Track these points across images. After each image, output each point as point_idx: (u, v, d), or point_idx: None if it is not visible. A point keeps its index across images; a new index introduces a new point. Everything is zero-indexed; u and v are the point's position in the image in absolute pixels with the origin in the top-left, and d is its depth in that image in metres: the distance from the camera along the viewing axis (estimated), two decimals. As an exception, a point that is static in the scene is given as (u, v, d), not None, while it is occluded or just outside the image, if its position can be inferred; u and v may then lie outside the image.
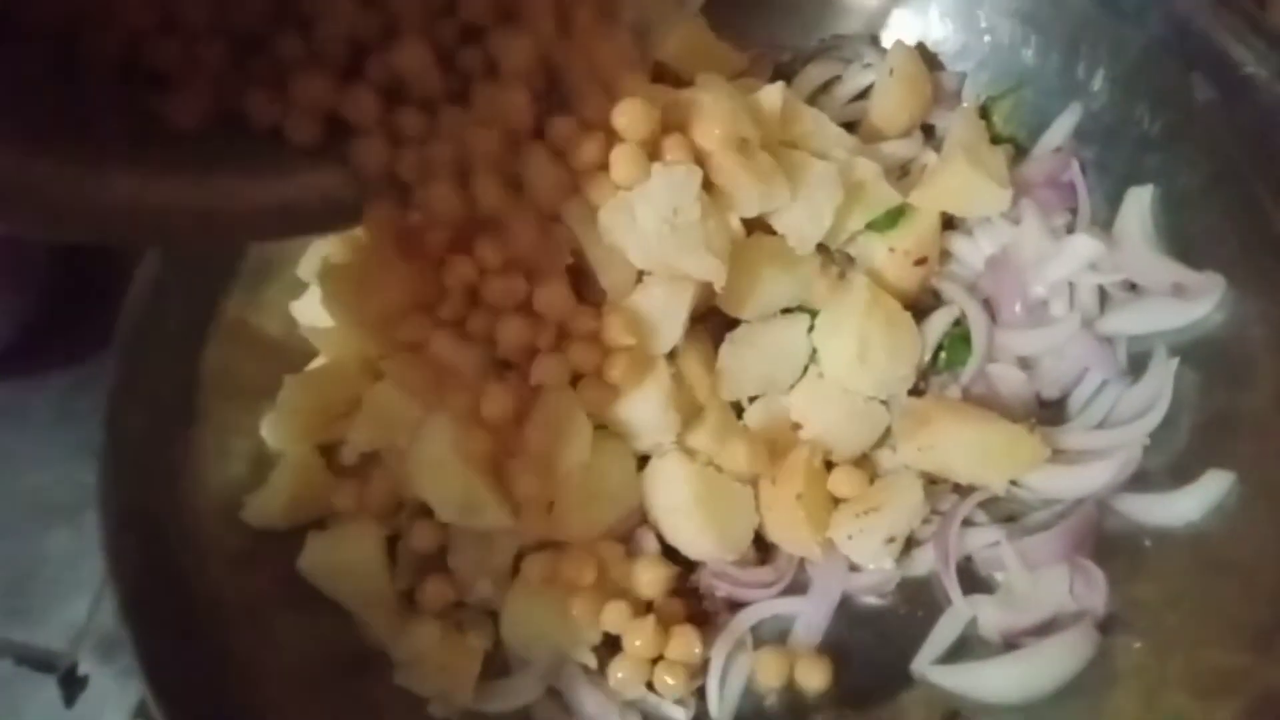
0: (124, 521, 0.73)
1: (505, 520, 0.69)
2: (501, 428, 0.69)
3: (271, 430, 0.78)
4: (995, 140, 0.86)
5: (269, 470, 0.78)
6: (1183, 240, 0.79)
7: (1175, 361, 0.76)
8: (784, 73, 0.91)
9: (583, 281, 0.71)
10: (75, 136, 0.55)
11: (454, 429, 0.67)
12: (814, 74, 0.90)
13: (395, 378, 0.71)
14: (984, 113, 0.89)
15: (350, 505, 0.75)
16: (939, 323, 0.81)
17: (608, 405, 0.71)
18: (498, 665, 0.74)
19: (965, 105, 0.89)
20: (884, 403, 0.78)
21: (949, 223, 0.84)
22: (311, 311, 0.80)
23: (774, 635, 0.75)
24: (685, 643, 0.71)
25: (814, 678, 0.72)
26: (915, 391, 0.79)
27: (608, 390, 0.70)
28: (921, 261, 0.81)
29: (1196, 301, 0.77)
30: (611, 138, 0.68)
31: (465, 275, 0.67)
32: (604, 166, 0.69)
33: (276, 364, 0.81)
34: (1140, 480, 0.74)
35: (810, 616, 0.74)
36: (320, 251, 0.78)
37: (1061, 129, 0.86)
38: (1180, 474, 0.73)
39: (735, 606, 0.75)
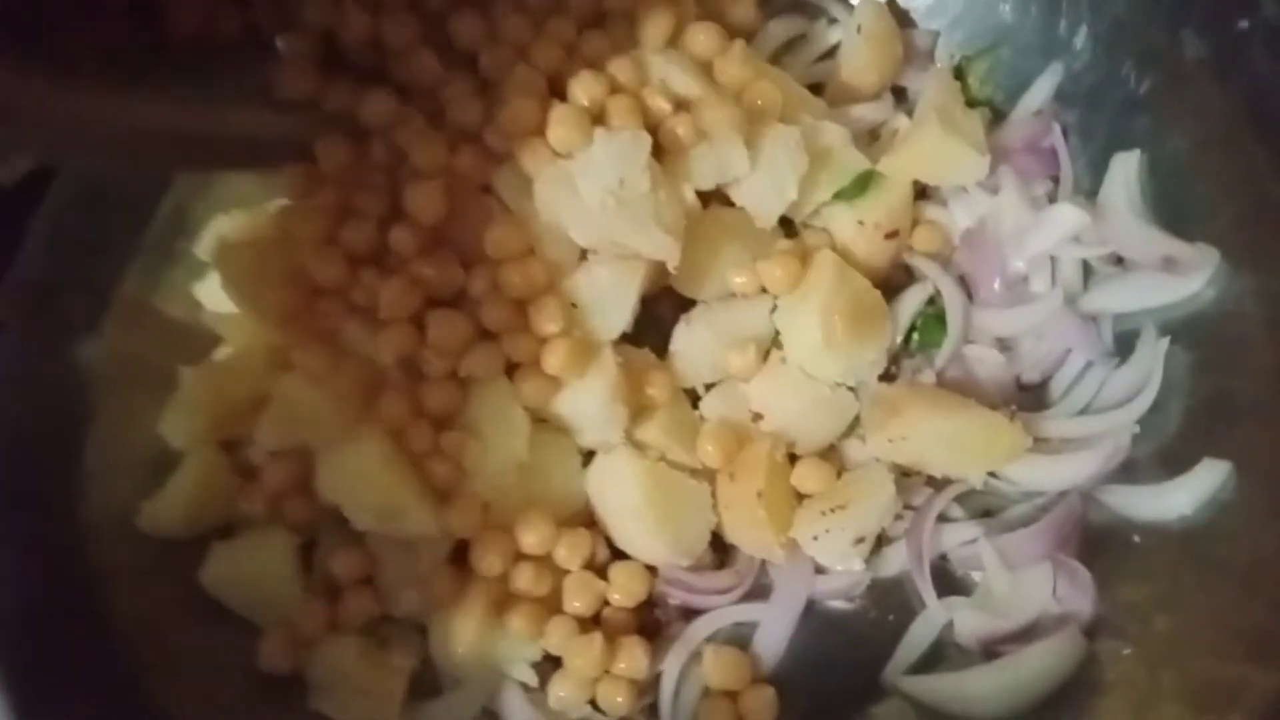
0: (2, 530, 0.65)
1: (429, 527, 0.61)
2: (426, 424, 0.61)
3: (171, 427, 0.70)
4: (971, 103, 0.80)
5: (168, 473, 0.70)
6: (1173, 210, 0.74)
7: (1165, 341, 0.71)
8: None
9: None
10: (55, 55, 0.57)
11: (370, 427, 0.60)
12: (776, 31, 0.82)
13: (304, 369, 0.63)
14: (959, 74, 0.83)
15: (258, 511, 0.68)
16: (911, 301, 0.75)
17: (547, 398, 0.64)
18: (426, 685, 0.67)
19: (939, 66, 0.82)
20: (852, 389, 0.71)
21: (921, 192, 0.78)
22: (217, 294, 0.71)
23: (733, 644, 0.68)
24: (634, 657, 0.65)
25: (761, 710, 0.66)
26: (886, 377, 0.73)
27: (547, 381, 0.63)
28: (893, 235, 0.74)
29: (1188, 276, 0.71)
30: (548, 99, 0.61)
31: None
32: (540, 131, 0.62)
33: (178, 353, 0.72)
34: (1128, 471, 0.69)
35: (772, 624, 0.68)
36: (218, 229, 0.70)
37: (1041, 90, 0.80)
38: (1172, 463, 0.67)
39: (690, 615, 0.68)
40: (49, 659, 0.62)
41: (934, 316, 0.76)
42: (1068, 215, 0.73)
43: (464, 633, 0.64)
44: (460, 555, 0.65)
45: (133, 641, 0.65)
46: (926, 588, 0.67)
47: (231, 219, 0.70)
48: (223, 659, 0.66)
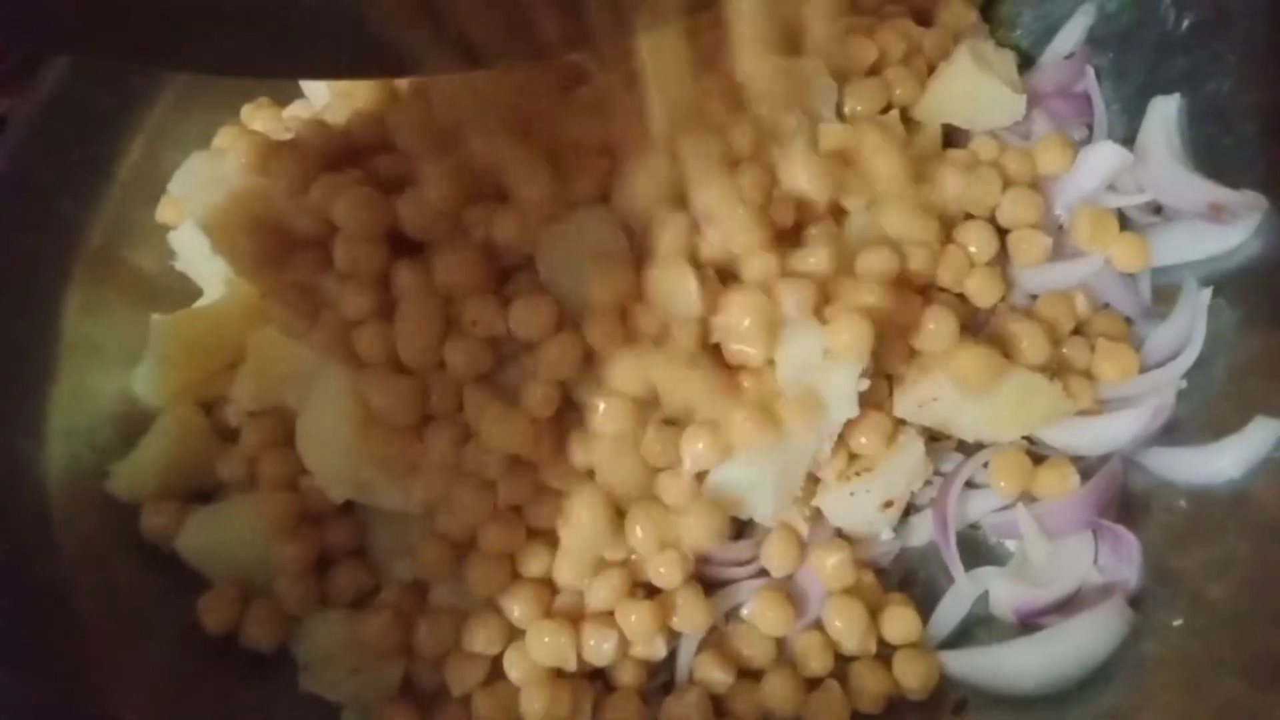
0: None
1: (400, 502, 0.57)
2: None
3: (144, 383, 0.65)
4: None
5: (140, 433, 0.65)
6: (1215, 155, 0.69)
7: (1208, 294, 0.66)
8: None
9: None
10: None
11: (346, 389, 0.56)
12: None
13: (279, 322, 0.58)
14: (985, 15, 0.77)
15: (238, 475, 0.62)
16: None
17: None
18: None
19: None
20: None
21: (947, 139, 0.73)
22: (191, 242, 0.66)
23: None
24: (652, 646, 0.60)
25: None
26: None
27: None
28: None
29: (1232, 226, 0.67)
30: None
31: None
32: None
33: (150, 305, 0.67)
34: (1172, 432, 0.64)
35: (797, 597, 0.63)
36: (191, 172, 0.64)
37: (1073, 33, 0.76)
38: (1219, 424, 0.62)
39: (710, 587, 0.63)
40: (6, 631, 0.56)
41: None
42: (1108, 155, 0.68)
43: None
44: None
45: (99, 615, 0.60)
46: (953, 559, 0.63)
47: (205, 161, 0.64)
48: (200, 636, 0.61)
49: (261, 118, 0.70)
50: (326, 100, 0.69)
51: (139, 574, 0.62)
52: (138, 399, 0.66)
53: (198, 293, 0.68)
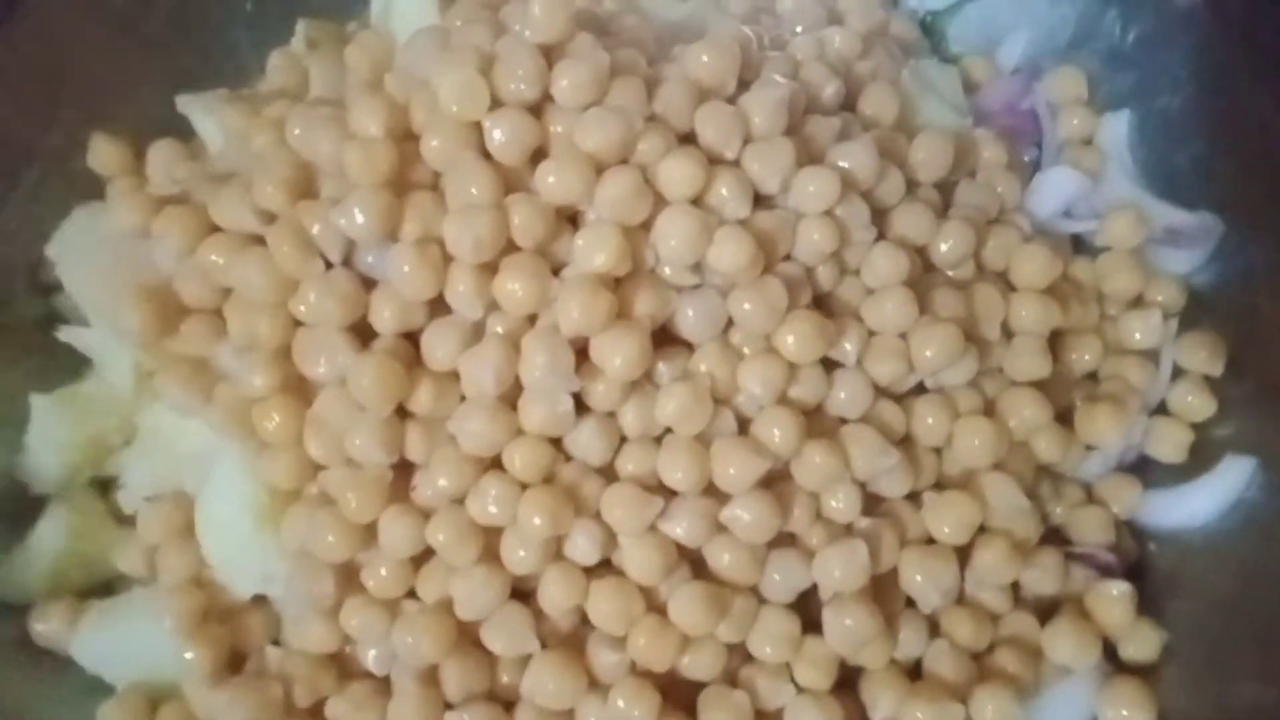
0: None
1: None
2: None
3: (30, 468, 0.59)
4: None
5: (29, 522, 0.59)
6: (1168, 174, 0.67)
7: (1174, 325, 0.63)
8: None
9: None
10: None
11: (247, 471, 0.50)
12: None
13: (170, 400, 0.52)
14: (927, 30, 0.74)
15: (138, 567, 0.57)
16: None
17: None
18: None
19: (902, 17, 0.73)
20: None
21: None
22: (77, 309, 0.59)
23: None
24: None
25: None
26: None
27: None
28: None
29: (1190, 249, 0.64)
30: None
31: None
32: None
33: (36, 377, 0.60)
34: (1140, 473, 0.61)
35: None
36: (72, 228, 0.58)
37: (1016, 46, 0.73)
38: (1187, 464, 0.60)
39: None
40: None
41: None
42: (1064, 180, 0.65)
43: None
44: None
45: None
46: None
47: (87, 218, 0.58)
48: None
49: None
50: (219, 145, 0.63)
51: (30, 680, 0.56)
52: (25, 483, 0.60)
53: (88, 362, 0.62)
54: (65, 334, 0.60)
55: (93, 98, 0.66)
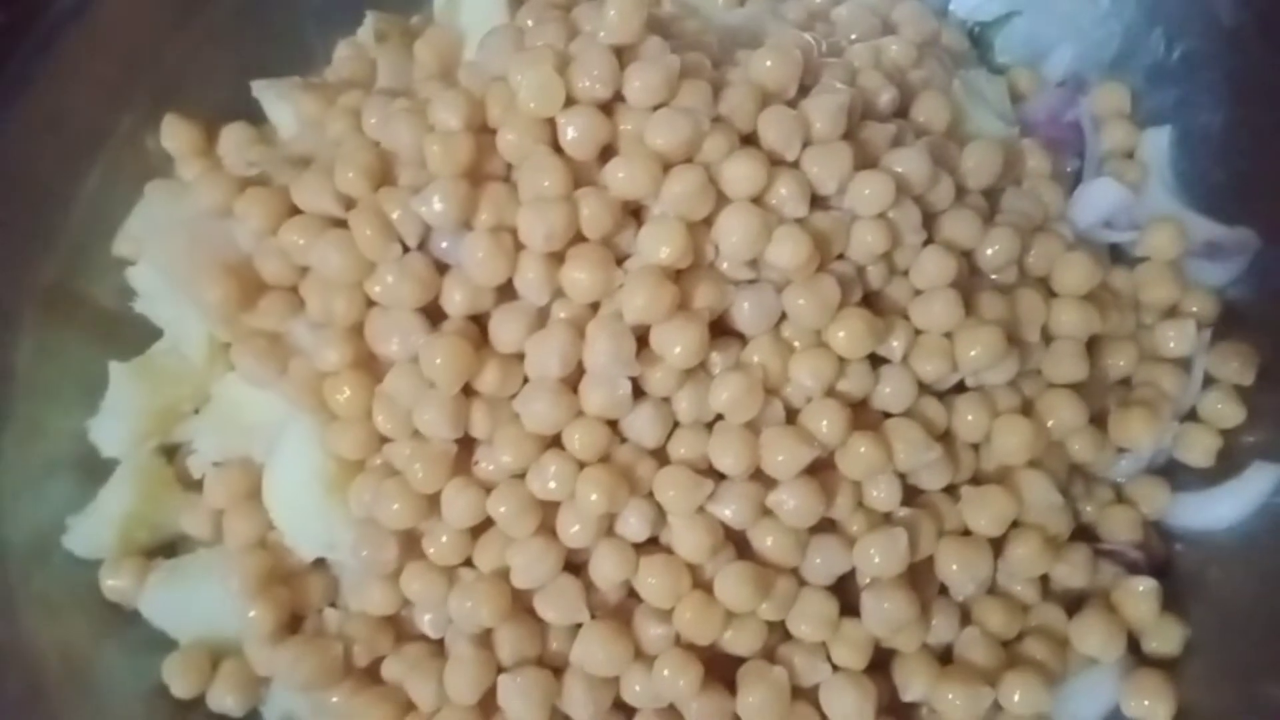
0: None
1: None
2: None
3: (102, 433, 0.62)
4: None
5: (98, 484, 0.61)
6: (1207, 190, 0.68)
7: (1207, 335, 0.65)
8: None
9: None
10: None
11: (317, 442, 0.53)
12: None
13: (244, 371, 0.55)
14: (975, 41, 0.76)
15: (203, 530, 0.59)
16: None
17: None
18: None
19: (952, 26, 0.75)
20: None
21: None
22: (153, 281, 0.62)
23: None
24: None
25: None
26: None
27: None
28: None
29: (1227, 262, 0.66)
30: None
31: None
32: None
33: (108, 347, 0.63)
34: (1169, 476, 0.63)
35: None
36: (151, 206, 0.61)
37: (1061, 60, 0.74)
38: (1215, 469, 0.62)
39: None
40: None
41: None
42: (1106, 191, 0.67)
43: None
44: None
45: (59, 677, 0.57)
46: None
47: (164, 194, 0.61)
48: (165, 698, 0.58)
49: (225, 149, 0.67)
50: (294, 131, 0.66)
51: (100, 633, 0.59)
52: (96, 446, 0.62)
53: (158, 332, 0.65)
54: (140, 305, 0.63)
55: (163, 82, 0.69)
